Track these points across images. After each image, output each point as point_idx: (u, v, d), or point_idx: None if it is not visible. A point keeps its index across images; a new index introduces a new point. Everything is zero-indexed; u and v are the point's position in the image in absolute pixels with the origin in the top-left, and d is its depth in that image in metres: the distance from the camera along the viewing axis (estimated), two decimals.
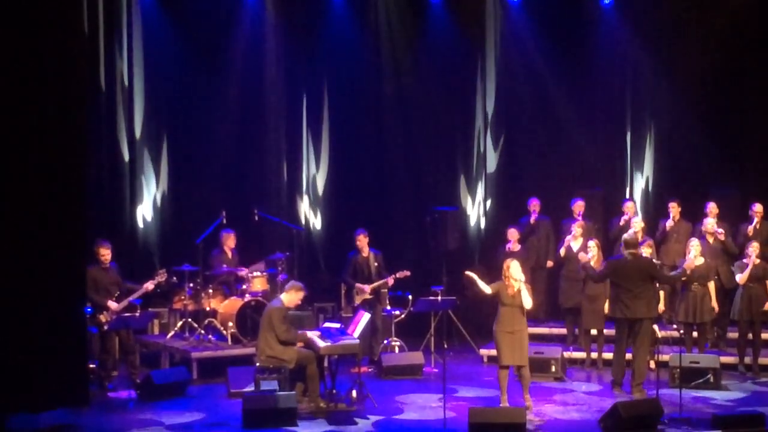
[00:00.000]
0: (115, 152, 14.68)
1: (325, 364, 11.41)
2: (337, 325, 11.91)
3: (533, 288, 14.22)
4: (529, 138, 16.25)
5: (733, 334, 13.45)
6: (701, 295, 12.89)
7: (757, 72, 15.20)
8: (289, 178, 15.94)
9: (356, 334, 11.42)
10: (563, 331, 14.29)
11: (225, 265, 13.59)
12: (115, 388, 11.95)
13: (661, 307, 12.94)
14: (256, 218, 14.11)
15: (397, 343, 13.91)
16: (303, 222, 16.00)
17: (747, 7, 15.21)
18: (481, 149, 16.44)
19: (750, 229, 13.70)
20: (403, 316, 14.19)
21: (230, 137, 15.46)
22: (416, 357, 13.17)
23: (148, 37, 14.92)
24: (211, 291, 13.49)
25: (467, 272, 11.41)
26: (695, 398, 11.50)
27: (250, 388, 11.18)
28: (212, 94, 15.32)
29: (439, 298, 13.20)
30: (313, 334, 11.33)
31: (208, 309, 13.42)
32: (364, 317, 11.67)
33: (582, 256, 12.64)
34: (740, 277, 12.82)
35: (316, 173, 16.24)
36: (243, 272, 13.49)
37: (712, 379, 12.04)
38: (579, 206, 14.48)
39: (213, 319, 13.41)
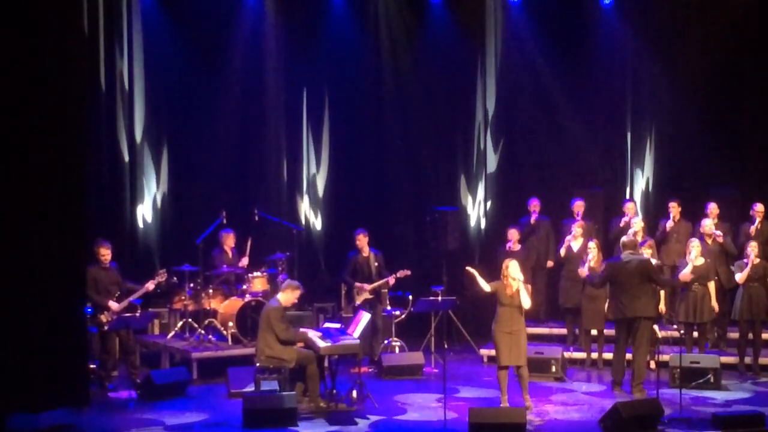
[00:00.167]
0: (115, 152, 14.67)
1: (326, 364, 11.41)
2: (338, 325, 11.91)
3: (534, 288, 14.30)
4: (530, 138, 16.25)
5: (733, 334, 13.46)
6: (701, 295, 12.89)
7: (757, 72, 15.20)
8: (290, 177, 15.94)
9: (356, 334, 11.41)
10: (563, 331, 14.29)
11: (226, 265, 13.59)
12: (115, 388, 11.95)
13: (662, 307, 12.94)
14: (256, 218, 14.11)
15: (398, 343, 13.91)
16: (303, 222, 15.99)
17: (747, 7, 15.22)
18: (482, 149, 16.44)
19: (752, 228, 13.70)
20: (403, 316, 14.20)
21: (230, 137, 15.46)
22: (416, 357, 13.17)
23: (149, 37, 14.91)
24: (211, 291, 13.49)
25: (468, 268, 11.43)
26: (695, 398, 11.50)
27: (251, 388, 11.18)
28: (212, 94, 15.32)
29: (440, 298, 13.20)
30: (313, 335, 11.33)
31: (208, 309, 13.42)
32: (365, 317, 11.67)
33: (581, 271, 12.65)
34: (740, 277, 12.82)
35: (316, 173, 16.24)
36: (244, 262, 13.48)
37: (712, 379, 12.04)
38: (579, 206, 14.48)
39: (213, 320, 13.41)
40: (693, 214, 14.16)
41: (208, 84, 15.26)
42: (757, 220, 13.76)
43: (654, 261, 12.74)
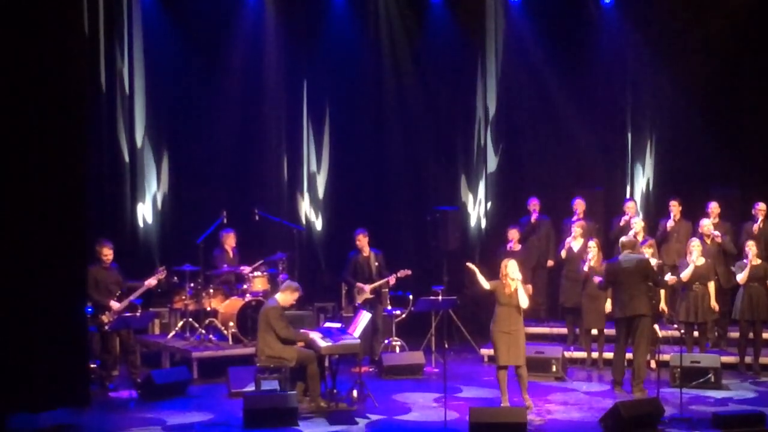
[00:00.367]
0: (115, 152, 14.68)
1: (326, 363, 11.40)
2: (338, 325, 11.91)
3: (534, 288, 14.26)
4: (530, 137, 16.26)
5: (734, 334, 13.45)
6: (702, 295, 12.90)
7: (757, 71, 15.20)
8: (290, 177, 15.95)
9: (357, 333, 11.41)
10: (564, 330, 14.29)
11: (227, 265, 13.59)
12: (115, 387, 11.95)
13: (664, 307, 12.94)
14: (257, 218, 14.11)
15: (398, 343, 13.90)
16: (303, 222, 16.00)
17: (747, 7, 15.22)
18: (482, 148, 16.45)
19: (755, 227, 13.69)
20: (403, 315, 14.19)
21: (231, 137, 15.47)
22: (417, 357, 13.17)
23: (149, 37, 14.92)
24: (211, 291, 13.49)
25: (468, 264, 11.43)
26: (696, 398, 11.49)
27: (251, 388, 11.18)
28: (213, 94, 15.32)
29: (440, 297, 13.21)
30: (314, 335, 11.33)
31: (208, 309, 13.42)
32: (365, 317, 11.67)
33: (595, 278, 12.63)
34: (741, 278, 12.82)
35: (316, 173, 16.24)
36: (245, 270, 13.48)
37: (712, 379, 12.04)
38: (579, 206, 14.48)
39: (214, 319, 13.41)
40: (693, 214, 14.15)
41: (208, 84, 15.27)
42: (760, 218, 13.75)
43: (654, 261, 12.74)
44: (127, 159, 14.79)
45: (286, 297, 11.27)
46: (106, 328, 11.87)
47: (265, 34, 15.66)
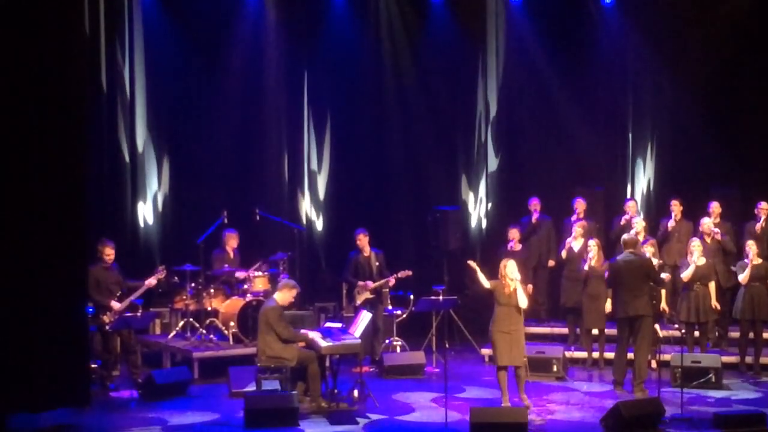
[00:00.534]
0: (116, 152, 14.68)
1: (327, 363, 11.41)
2: (339, 325, 11.91)
3: (535, 288, 14.34)
4: (531, 137, 16.26)
5: (734, 334, 13.45)
6: (703, 295, 12.90)
7: (758, 71, 15.20)
8: (290, 177, 15.94)
9: (357, 333, 11.42)
10: (565, 330, 14.29)
11: (227, 265, 13.58)
12: (116, 387, 11.95)
13: (665, 306, 12.94)
14: (257, 218, 14.11)
15: (399, 343, 13.90)
16: (304, 221, 15.99)
17: (748, 6, 15.21)
18: (482, 148, 16.44)
19: (758, 226, 13.68)
20: (404, 315, 14.19)
21: (232, 137, 15.46)
22: (418, 357, 13.17)
23: (150, 38, 14.91)
24: (212, 291, 13.48)
25: (469, 262, 11.43)
26: (697, 398, 11.49)
27: (252, 388, 11.18)
28: (214, 94, 15.32)
29: (441, 297, 13.20)
30: (314, 335, 11.33)
31: (209, 309, 13.41)
32: (365, 316, 11.67)
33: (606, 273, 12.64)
34: (742, 277, 12.82)
35: (317, 172, 16.23)
36: (242, 274, 13.48)
37: (713, 379, 12.04)
38: (580, 205, 14.48)
39: (214, 319, 13.40)
40: (694, 214, 14.15)
41: (209, 84, 15.26)
42: (762, 218, 13.74)
43: (655, 260, 12.74)
44: (127, 159, 14.78)
45: (284, 295, 11.27)
46: (107, 328, 11.87)
47: (266, 34, 15.65)
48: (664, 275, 12.84)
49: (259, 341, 11.11)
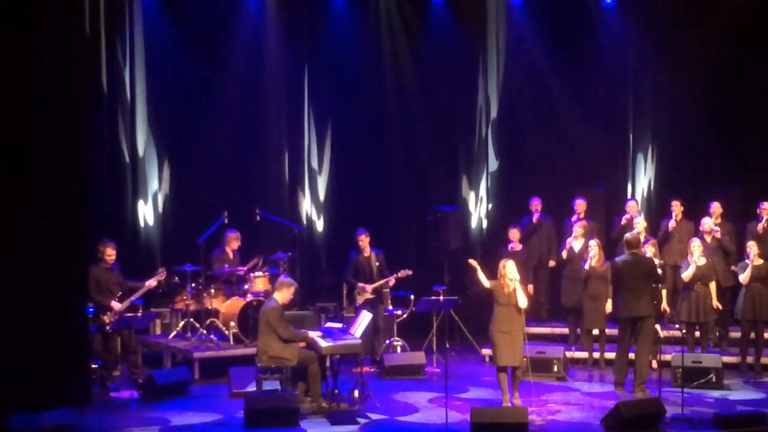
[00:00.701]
0: (116, 152, 14.67)
1: (327, 363, 11.41)
2: (339, 325, 11.90)
3: (535, 288, 14.34)
4: (531, 137, 16.25)
5: (735, 334, 13.44)
6: (703, 295, 12.90)
7: (759, 71, 15.18)
8: (291, 177, 15.94)
9: (357, 333, 11.42)
10: (565, 330, 14.27)
11: (227, 265, 13.57)
12: (117, 388, 11.95)
13: (666, 307, 12.93)
14: (258, 218, 14.11)
15: (399, 343, 13.89)
16: (305, 221, 15.99)
17: (748, 6, 15.20)
18: (483, 148, 16.43)
19: (760, 226, 13.66)
20: (405, 315, 14.18)
21: (232, 137, 15.46)
22: (418, 357, 13.16)
23: (150, 38, 14.91)
24: (213, 291, 13.47)
25: (470, 260, 11.43)
26: (697, 398, 11.49)
27: (252, 388, 11.17)
28: (214, 95, 15.31)
29: (441, 297, 13.19)
30: (314, 335, 11.33)
31: (210, 309, 13.41)
32: (365, 317, 11.67)
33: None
34: (743, 278, 12.81)
35: (317, 172, 16.23)
36: (241, 271, 13.48)
37: (714, 379, 12.04)
38: (580, 205, 14.48)
39: (215, 319, 13.40)
40: (695, 214, 14.14)
41: (209, 84, 15.26)
42: (764, 218, 13.72)
43: (656, 261, 12.72)
44: (127, 159, 14.78)
45: (284, 294, 11.27)
46: (108, 328, 11.87)
47: (266, 34, 15.65)
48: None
49: (260, 341, 11.10)
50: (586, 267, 12.94)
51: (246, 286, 13.42)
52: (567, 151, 16.06)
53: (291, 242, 14.61)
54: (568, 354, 13.20)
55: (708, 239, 13.48)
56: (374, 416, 10.82)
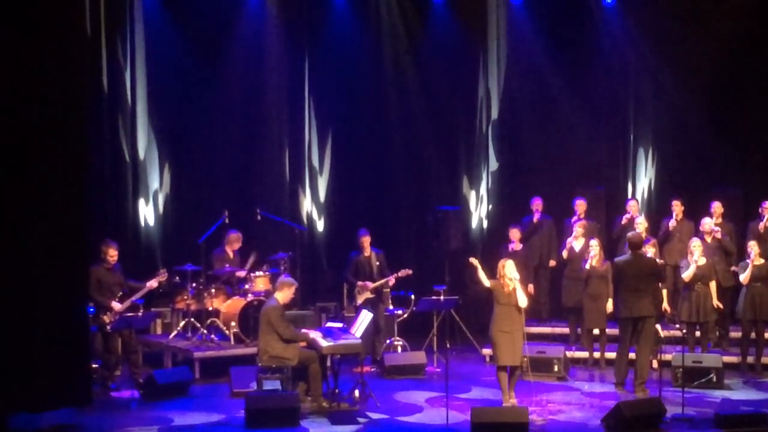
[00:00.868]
0: (117, 153, 14.66)
1: (328, 363, 11.41)
2: (340, 325, 11.91)
3: (536, 287, 14.34)
4: (532, 137, 16.24)
5: (736, 334, 13.44)
6: (704, 295, 12.90)
7: (760, 71, 15.18)
8: (292, 177, 15.93)
9: (358, 333, 11.42)
10: (566, 330, 14.27)
11: (227, 265, 13.58)
12: (117, 387, 11.95)
13: (667, 307, 12.93)
14: (258, 218, 14.11)
15: (400, 343, 13.89)
16: (305, 221, 15.98)
17: (749, 6, 15.20)
18: (484, 148, 16.43)
19: (761, 225, 13.65)
20: (405, 315, 14.19)
21: (233, 137, 15.46)
22: (419, 356, 13.17)
23: (151, 38, 14.89)
24: (213, 291, 13.48)
25: (471, 259, 11.43)
26: (698, 398, 11.49)
27: (253, 388, 11.17)
28: (215, 94, 15.30)
29: (442, 297, 13.20)
30: (315, 335, 11.33)
31: (210, 309, 13.42)
32: (366, 316, 11.67)
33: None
34: (743, 277, 12.82)
35: (318, 172, 16.23)
36: (243, 273, 13.48)
37: (714, 379, 12.05)
38: (580, 206, 14.47)
39: (215, 319, 13.41)
40: (695, 214, 14.14)
41: (210, 84, 15.25)
42: (766, 217, 13.71)
43: (657, 261, 12.73)
44: (128, 159, 14.77)
45: (285, 294, 11.28)
46: (108, 328, 11.87)
47: (267, 35, 15.63)
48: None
49: (261, 341, 11.11)
50: (587, 267, 12.95)
51: (247, 286, 13.43)
52: (567, 151, 16.07)
53: (291, 242, 14.61)
54: (569, 354, 13.20)
55: (708, 239, 13.48)
56: (375, 416, 10.82)
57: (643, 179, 16.03)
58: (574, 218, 14.36)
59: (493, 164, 16.45)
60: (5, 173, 9.55)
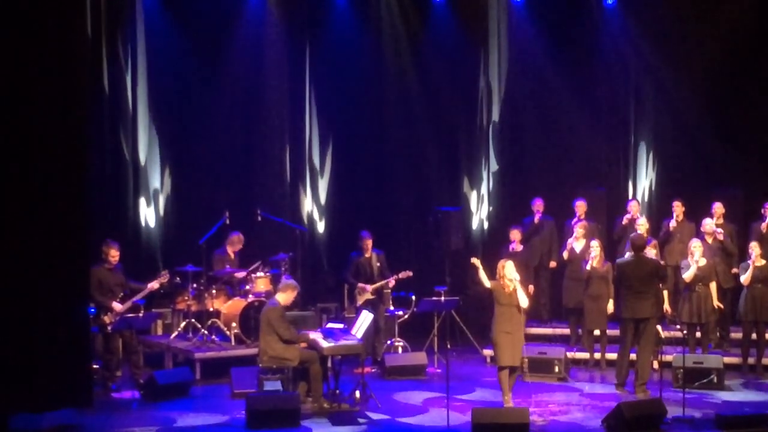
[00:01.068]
0: (118, 153, 14.67)
1: (329, 364, 11.41)
2: (340, 326, 11.91)
3: (537, 288, 14.34)
4: (533, 137, 16.24)
5: (736, 335, 13.44)
6: (704, 296, 12.90)
7: (761, 71, 15.17)
8: (292, 178, 15.94)
9: (359, 334, 11.42)
10: (567, 331, 14.27)
11: (228, 266, 13.57)
12: (118, 388, 11.95)
13: (667, 307, 12.92)
14: (259, 218, 14.11)
15: (401, 344, 13.89)
16: (306, 222, 15.98)
17: (750, 6, 15.20)
18: (485, 149, 16.42)
19: (763, 226, 13.64)
20: (406, 316, 14.20)
21: (234, 138, 15.47)
22: (419, 357, 13.17)
23: (151, 38, 14.90)
24: (214, 291, 13.48)
25: (473, 259, 11.43)
26: (699, 399, 11.49)
27: (254, 389, 11.18)
28: (215, 95, 15.31)
29: (443, 298, 13.20)
30: (316, 335, 11.34)
31: (211, 309, 13.41)
32: (366, 317, 11.67)
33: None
34: (744, 278, 12.81)
35: (319, 173, 16.23)
36: (242, 274, 13.48)
37: (715, 380, 12.05)
38: (581, 207, 14.47)
39: (216, 320, 13.40)
40: (696, 215, 14.13)
41: (210, 84, 15.26)
42: None
43: (659, 262, 12.72)
44: (129, 160, 14.78)
45: (286, 296, 11.29)
46: (109, 328, 11.87)
47: (267, 35, 15.63)
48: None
49: (261, 342, 11.11)
50: (588, 268, 12.95)
51: (247, 287, 13.43)
52: (568, 152, 16.06)
53: (292, 243, 14.62)
54: (570, 354, 13.20)
55: (709, 240, 13.47)
56: (375, 417, 10.82)
57: (644, 180, 16.03)
58: (575, 219, 14.36)
59: (494, 165, 16.45)
60: (6, 174, 9.56)
